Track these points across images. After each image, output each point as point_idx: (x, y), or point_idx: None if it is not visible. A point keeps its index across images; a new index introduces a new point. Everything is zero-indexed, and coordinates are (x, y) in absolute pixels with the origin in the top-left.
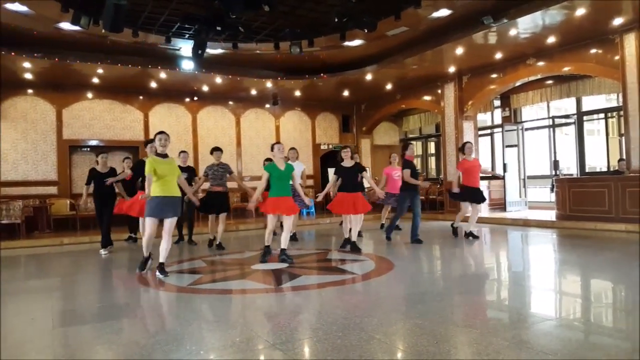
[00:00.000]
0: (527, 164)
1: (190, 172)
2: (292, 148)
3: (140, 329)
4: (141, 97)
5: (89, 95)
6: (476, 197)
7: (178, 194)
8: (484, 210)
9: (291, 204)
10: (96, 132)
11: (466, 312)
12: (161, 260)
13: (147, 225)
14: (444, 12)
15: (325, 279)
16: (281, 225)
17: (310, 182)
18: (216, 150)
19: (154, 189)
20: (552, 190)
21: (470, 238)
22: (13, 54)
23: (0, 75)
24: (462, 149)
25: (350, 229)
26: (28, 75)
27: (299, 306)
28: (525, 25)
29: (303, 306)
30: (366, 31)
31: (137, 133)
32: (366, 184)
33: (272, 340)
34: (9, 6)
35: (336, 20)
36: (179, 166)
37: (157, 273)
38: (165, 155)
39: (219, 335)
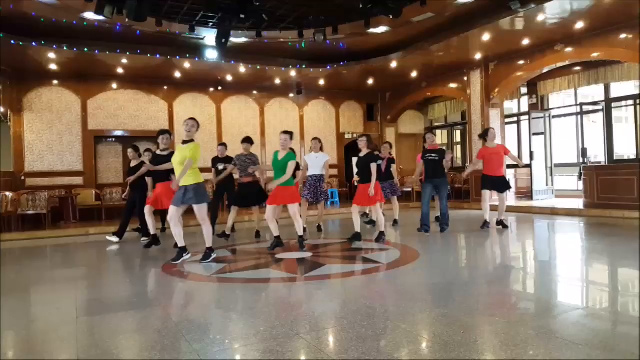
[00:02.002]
0: (554, 151)
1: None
2: (315, 138)
3: (163, 318)
4: (166, 87)
5: (114, 85)
6: (497, 185)
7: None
8: (510, 198)
9: (289, 193)
10: (121, 122)
11: (492, 301)
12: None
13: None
14: None
15: (349, 268)
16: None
17: (334, 171)
18: (244, 141)
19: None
20: (579, 178)
21: (500, 227)
22: (37, 44)
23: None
24: (484, 135)
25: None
26: (53, 66)
27: (323, 295)
28: (553, 10)
29: (327, 295)
30: (391, 17)
31: (162, 123)
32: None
33: (297, 330)
34: None
35: (361, 6)
36: (217, 157)
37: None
38: (188, 141)
39: (242, 324)
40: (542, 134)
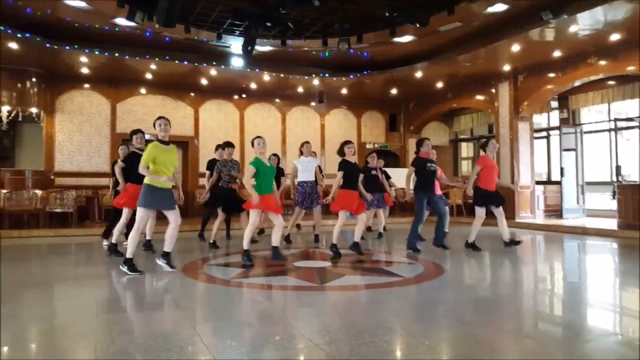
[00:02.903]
0: (585, 169)
1: (278, 173)
2: (306, 142)
3: (181, 320)
4: (192, 94)
5: (143, 90)
6: (496, 200)
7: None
8: (538, 216)
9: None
10: (149, 126)
11: (521, 321)
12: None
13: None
14: (499, 7)
15: (370, 280)
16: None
17: None
18: (228, 146)
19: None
20: (613, 197)
21: (512, 246)
22: (70, 48)
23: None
24: (484, 145)
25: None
26: (85, 70)
27: (344, 306)
28: (585, 21)
29: (347, 306)
30: (418, 26)
31: (188, 129)
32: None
33: (315, 340)
34: (69, 2)
35: (387, 14)
36: (214, 159)
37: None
38: (167, 142)
39: (260, 331)
40: (573, 149)
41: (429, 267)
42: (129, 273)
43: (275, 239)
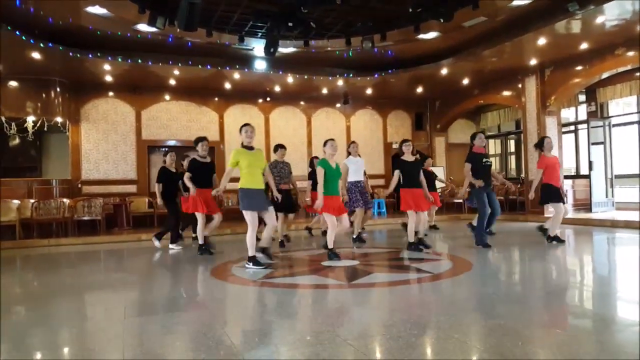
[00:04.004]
0: (614, 162)
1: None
2: (354, 141)
3: (209, 321)
4: (216, 99)
5: (167, 97)
6: (558, 196)
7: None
8: (568, 210)
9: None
10: (173, 132)
11: (551, 314)
12: (265, 245)
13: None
14: (525, 0)
15: (398, 277)
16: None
17: (381, 181)
18: (280, 147)
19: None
20: None
21: (554, 242)
22: (93, 56)
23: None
24: (539, 144)
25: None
26: (108, 78)
27: (372, 303)
28: (613, 11)
29: (375, 303)
30: (442, 21)
31: (213, 134)
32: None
33: (344, 336)
34: (90, 9)
35: (410, 11)
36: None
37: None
38: (251, 148)
39: (288, 329)
40: (601, 143)
41: (456, 262)
42: (254, 267)
43: (265, 239)
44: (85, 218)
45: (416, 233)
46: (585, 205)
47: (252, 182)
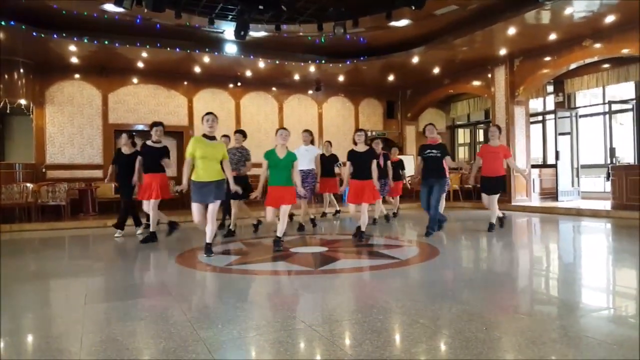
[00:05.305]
0: (580, 152)
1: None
2: (306, 130)
3: (172, 307)
4: (185, 83)
5: (134, 80)
6: (485, 187)
7: (219, 177)
8: (534, 199)
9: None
10: (141, 116)
11: (516, 300)
12: (207, 240)
13: (193, 211)
14: None
15: (365, 262)
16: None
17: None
18: (236, 133)
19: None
20: (607, 178)
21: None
22: (58, 36)
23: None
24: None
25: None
26: (74, 59)
27: (337, 288)
28: (581, 3)
29: (341, 289)
30: (414, 8)
31: (182, 118)
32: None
33: (309, 321)
34: None
35: None
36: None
37: (203, 253)
38: (212, 138)
39: (253, 315)
40: (568, 133)
41: (424, 249)
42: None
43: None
44: (50, 203)
45: (359, 227)
46: (551, 194)
47: (202, 175)
